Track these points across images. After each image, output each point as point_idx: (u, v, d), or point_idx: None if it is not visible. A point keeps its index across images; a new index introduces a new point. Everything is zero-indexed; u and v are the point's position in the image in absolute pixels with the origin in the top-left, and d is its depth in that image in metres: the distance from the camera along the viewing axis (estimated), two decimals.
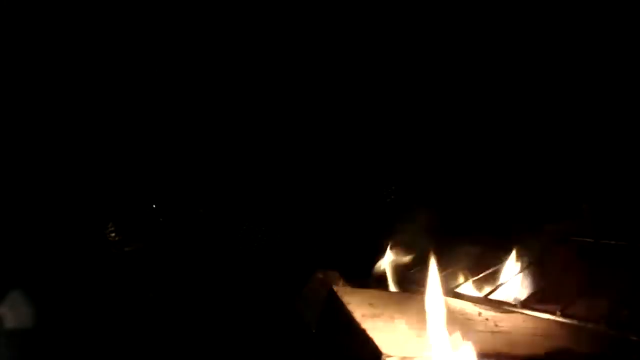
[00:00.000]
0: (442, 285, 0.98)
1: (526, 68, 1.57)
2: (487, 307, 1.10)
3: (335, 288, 1.11)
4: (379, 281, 1.35)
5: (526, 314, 1.05)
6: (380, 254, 1.40)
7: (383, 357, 0.88)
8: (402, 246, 1.41)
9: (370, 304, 1.05)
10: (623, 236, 1.21)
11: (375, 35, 1.69)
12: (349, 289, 1.16)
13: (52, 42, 1.59)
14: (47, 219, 1.59)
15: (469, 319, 1.06)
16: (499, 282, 1.20)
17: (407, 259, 1.38)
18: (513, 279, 1.21)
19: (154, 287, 1.59)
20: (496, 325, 1.06)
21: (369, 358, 0.91)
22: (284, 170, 1.76)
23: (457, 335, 0.90)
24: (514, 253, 1.29)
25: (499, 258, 1.31)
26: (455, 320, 1.01)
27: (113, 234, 1.65)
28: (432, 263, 0.98)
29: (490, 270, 1.27)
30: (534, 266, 1.24)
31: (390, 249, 1.38)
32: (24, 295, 1.43)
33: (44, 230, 1.58)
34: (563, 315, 1.00)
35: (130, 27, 1.65)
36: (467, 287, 1.23)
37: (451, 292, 1.15)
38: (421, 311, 1.05)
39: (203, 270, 1.65)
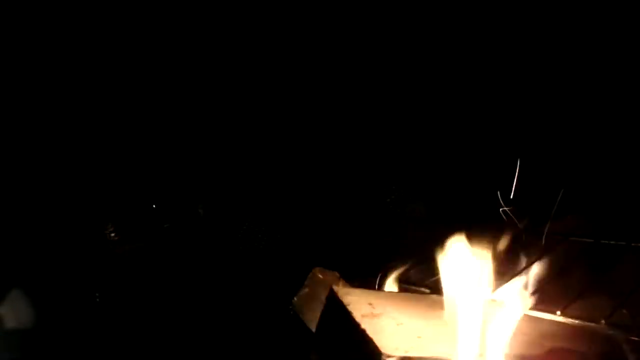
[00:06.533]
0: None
1: (525, 69, 1.57)
2: (487, 307, 1.10)
3: (335, 288, 1.12)
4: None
5: (526, 314, 1.05)
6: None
7: (383, 357, 0.88)
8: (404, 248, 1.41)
9: (370, 304, 1.05)
10: (623, 236, 1.21)
11: (375, 35, 1.69)
12: (349, 289, 1.16)
13: (52, 42, 1.59)
14: (46, 219, 1.59)
15: (469, 319, 1.06)
16: (499, 282, 1.20)
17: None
18: (513, 279, 1.21)
19: (154, 287, 1.59)
20: None
21: (369, 358, 0.91)
22: (284, 170, 1.76)
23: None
24: (514, 254, 1.29)
25: (499, 258, 1.31)
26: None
27: (113, 234, 1.65)
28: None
29: (490, 271, 1.27)
30: (534, 266, 1.24)
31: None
32: (24, 295, 1.43)
33: (44, 230, 1.58)
34: (563, 315, 1.00)
35: (130, 27, 1.65)
36: (467, 287, 1.22)
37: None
38: (422, 311, 1.05)
39: (203, 271, 1.65)
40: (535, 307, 1.05)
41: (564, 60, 1.52)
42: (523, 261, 1.28)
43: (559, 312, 1.00)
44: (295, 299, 1.34)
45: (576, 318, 0.99)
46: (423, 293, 1.20)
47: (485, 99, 1.64)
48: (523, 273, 1.23)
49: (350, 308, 1.02)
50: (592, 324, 0.97)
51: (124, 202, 1.69)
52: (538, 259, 1.24)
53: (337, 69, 1.72)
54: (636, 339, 0.95)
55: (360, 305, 1.04)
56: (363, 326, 0.96)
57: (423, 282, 1.22)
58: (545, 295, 1.17)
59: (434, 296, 1.13)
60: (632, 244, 1.17)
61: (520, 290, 1.17)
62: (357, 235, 1.66)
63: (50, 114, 1.62)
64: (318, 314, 1.15)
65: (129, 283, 1.60)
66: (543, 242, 1.30)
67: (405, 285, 1.27)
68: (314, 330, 1.18)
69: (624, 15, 1.41)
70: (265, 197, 1.75)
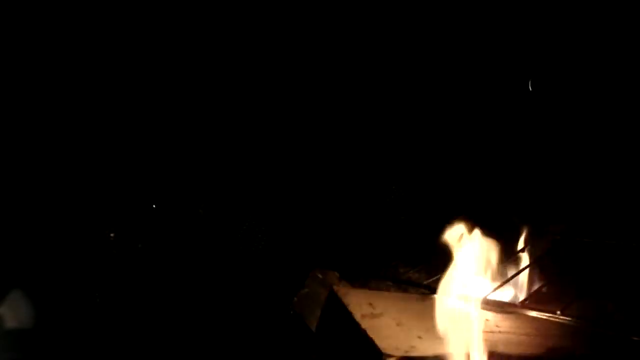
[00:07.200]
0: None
1: (527, 70, 1.57)
2: (487, 307, 1.10)
3: (335, 288, 1.12)
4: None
5: (526, 314, 1.05)
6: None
7: (383, 357, 0.88)
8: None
9: (370, 304, 1.05)
10: (623, 236, 1.21)
11: (375, 35, 1.69)
12: (349, 289, 1.16)
13: (52, 42, 1.59)
14: (47, 219, 1.59)
15: (469, 319, 1.06)
16: (499, 282, 1.20)
17: None
18: (513, 279, 1.21)
19: (154, 288, 1.59)
20: (496, 326, 1.07)
21: (369, 358, 0.91)
22: (284, 170, 1.76)
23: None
24: (514, 253, 1.29)
25: (500, 258, 1.31)
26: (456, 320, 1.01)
27: (112, 234, 1.65)
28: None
29: (490, 270, 1.27)
30: (534, 266, 1.24)
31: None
32: (24, 295, 1.43)
33: (44, 230, 1.58)
34: (563, 315, 1.00)
35: (130, 27, 1.65)
36: (467, 287, 1.22)
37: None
38: (421, 311, 1.05)
39: (203, 271, 1.65)
40: (535, 307, 1.05)
41: (560, 63, 1.53)
42: (523, 261, 1.28)
43: (559, 312, 1.00)
44: (295, 299, 1.34)
45: (576, 318, 0.99)
46: (423, 293, 1.20)
47: (486, 100, 1.64)
48: (523, 273, 1.23)
49: (350, 308, 1.03)
50: (592, 324, 0.97)
51: (124, 202, 1.69)
52: (538, 259, 1.24)
53: (337, 69, 1.72)
54: (636, 339, 0.95)
55: (360, 305, 1.04)
56: (363, 326, 0.96)
57: (423, 282, 1.22)
58: (545, 295, 1.17)
59: (434, 296, 1.13)
60: (632, 244, 1.18)
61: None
62: (357, 235, 1.66)
63: (51, 115, 1.62)
64: (318, 314, 1.15)
65: (129, 283, 1.60)
66: (543, 242, 1.30)
67: (405, 285, 1.27)
68: (314, 330, 1.18)
69: (623, 16, 1.41)
70: (265, 197, 1.75)
